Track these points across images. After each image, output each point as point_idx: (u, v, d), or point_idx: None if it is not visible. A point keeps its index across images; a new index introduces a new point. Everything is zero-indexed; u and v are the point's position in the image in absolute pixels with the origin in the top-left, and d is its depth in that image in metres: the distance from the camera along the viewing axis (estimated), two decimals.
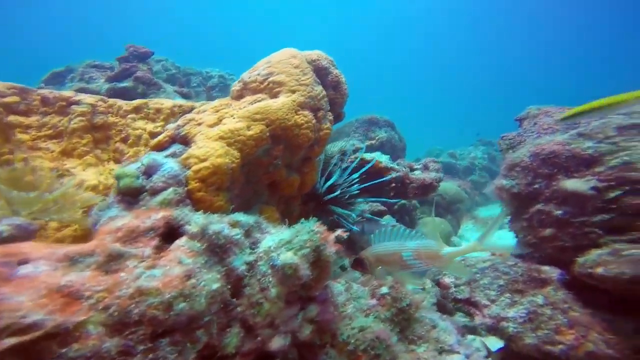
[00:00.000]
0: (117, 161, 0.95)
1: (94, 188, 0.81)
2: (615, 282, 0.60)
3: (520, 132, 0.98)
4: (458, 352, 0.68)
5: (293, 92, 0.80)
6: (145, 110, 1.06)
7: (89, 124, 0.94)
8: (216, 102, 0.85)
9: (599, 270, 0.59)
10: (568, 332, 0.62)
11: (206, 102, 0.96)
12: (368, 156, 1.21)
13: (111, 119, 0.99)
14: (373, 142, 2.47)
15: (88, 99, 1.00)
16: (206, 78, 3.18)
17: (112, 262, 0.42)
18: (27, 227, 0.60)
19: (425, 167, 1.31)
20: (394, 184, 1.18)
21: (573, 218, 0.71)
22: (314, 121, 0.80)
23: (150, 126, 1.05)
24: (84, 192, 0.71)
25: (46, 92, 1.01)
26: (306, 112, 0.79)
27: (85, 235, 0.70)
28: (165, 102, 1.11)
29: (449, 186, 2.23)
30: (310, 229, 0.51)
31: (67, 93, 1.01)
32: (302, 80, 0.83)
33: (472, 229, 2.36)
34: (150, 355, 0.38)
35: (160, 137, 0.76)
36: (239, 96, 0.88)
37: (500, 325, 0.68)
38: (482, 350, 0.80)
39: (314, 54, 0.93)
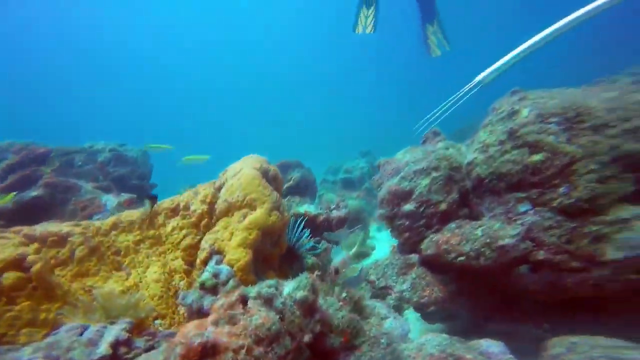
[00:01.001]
0: (118, 269, 1.19)
1: (125, 292, 1.07)
2: (431, 257, 1.32)
3: (379, 175, 1.71)
4: (389, 317, 1.27)
5: (263, 203, 1.30)
6: (121, 225, 1.29)
7: (89, 249, 1.13)
8: (223, 222, 1.25)
9: (427, 251, 1.30)
10: (427, 289, 1.31)
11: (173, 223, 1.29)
12: (301, 209, 1.75)
13: (98, 239, 1.19)
14: (290, 182, 3.03)
15: (75, 229, 1.16)
16: (92, 154, 2.97)
17: (230, 319, 0.80)
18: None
19: (337, 206, 1.95)
20: (325, 223, 1.78)
21: (412, 224, 1.43)
22: (279, 215, 1.30)
23: (130, 237, 1.29)
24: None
25: (27, 229, 1.12)
26: (274, 212, 1.30)
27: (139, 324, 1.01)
28: (134, 214, 1.35)
29: (351, 203, 3.00)
30: (305, 277, 0.99)
31: (52, 228, 1.14)
32: (266, 194, 1.33)
33: (377, 228, 3.21)
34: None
35: (204, 255, 1.23)
36: (227, 211, 1.33)
37: (402, 295, 1.32)
38: (402, 317, 1.43)
39: (258, 162, 1.42)
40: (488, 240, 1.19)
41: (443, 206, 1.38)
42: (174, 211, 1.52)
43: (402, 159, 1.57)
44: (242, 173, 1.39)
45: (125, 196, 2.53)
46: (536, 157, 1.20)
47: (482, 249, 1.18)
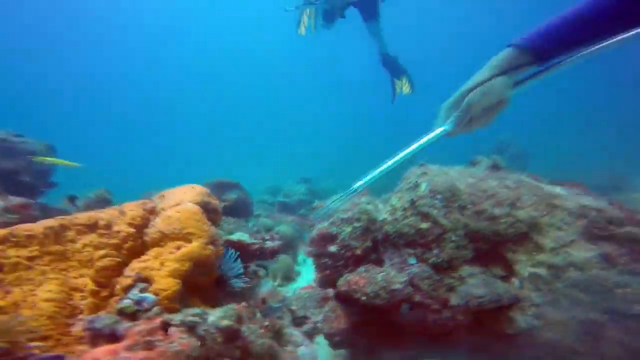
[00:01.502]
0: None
1: None
2: (344, 293, 1.65)
3: (314, 217, 2.02)
4: (303, 345, 1.52)
5: (200, 237, 1.43)
6: (13, 239, 1.25)
7: None
8: (153, 252, 1.31)
9: (341, 288, 1.62)
10: (335, 321, 1.61)
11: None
12: (234, 237, 1.91)
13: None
14: (226, 203, 3.10)
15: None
16: None
17: (148, 345, 0.91)
18: None
19: (272, 238, 2.16)
20: (258, 252, 1.96)
21: (334, 264, 1.75)
22: (213, 248, 1.45)
23: (23, 252, 1.28)
24: None
25: None
26: (209, 246, 1.45)
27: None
28: (35, 227, 1.31)
29: (284, 229, 3.23)
30: (232, 307, 1.17)
31: None
32: (203, 228, 1.47)
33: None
34: None
35: (128, 282, 1.24)
36: (160, 240, 1.41)
37: (315, 325, 1.59)
38: (314, 344, 1.69)
39: (200, 195, 1.54)
40: (384, 285, 1.57)
41: (358, 251, 1.74)
42: (90, 228, 1.45)
43: (333, 206, 1.91)
44: (183, 207, 1.48)
45: (14, 200, 2.18)
46: (424, 225, 1.66)
47: (379, 292, 1.55)
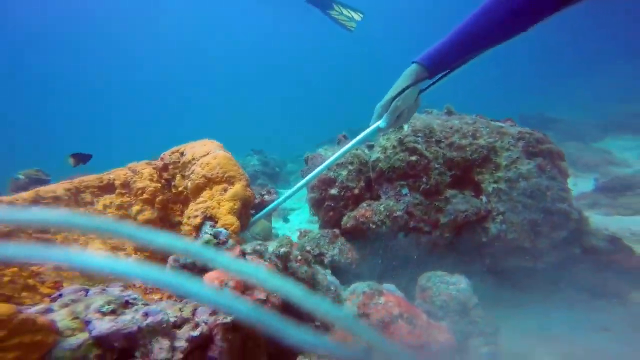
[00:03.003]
0: None
1: None
2: (350, 228, 1.72)
3: (308, 166, 2.00)
4: (327, 274, 1.54)
5: (240, 180, 1.47)
6: (43, 201, 1.05)
7: None
8: (205, 194, 1.39)
9: (347, 225, 1.68)
10: (349, 252, 1.68)
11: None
12: None
13: None
14: None
15: None
16: None
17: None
18: None
19: (269, 192, 2.07)
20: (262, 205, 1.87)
21: (335, 205, 1.79)
22: (251, 190, 1.51)
23: None
24: None
25: None
26: (248, 188, 1.50)
27: None
28: (56, 188, 1.22)
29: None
30: (285, 237, 1.14)
31: None
32: (240, 171, 1.49)
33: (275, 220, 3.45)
34: None
35: (197, 221, 1.35)
36: (205, 185, 1.44)
37: (333, 259, 1.63)
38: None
39: (219, 145, 1.54)
40: (387, 213, 1.69)
41: (356, 191, 1.81)
42: (103, 189, 1.47)
43: (326, 155, 1.92)
44: (217, 154, 1.53)
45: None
46: (413, 158, 1.83)
47: (385, 219, 1.67)
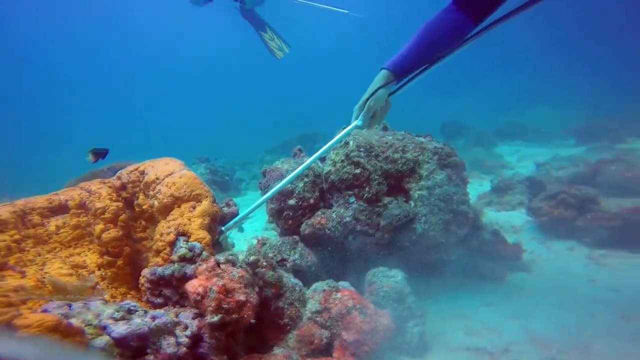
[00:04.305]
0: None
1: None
2: (308, 235, 1.93)
3: (266, 179, 2.13)
4: (290, 276, 1.71)
5: (207, 197, 1.52)
6: None
7: None
8: (175, 212, 1.43)
9: (305, 232, 1.89)
10: (309, 256, 1.88)
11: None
12: None
13: None
14: None
15: None
16: None
17: (215, 276, 0.97)
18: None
19: (228, 205, 2.12)
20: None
21: (294, 214, 1.98)
22: (217, 206, 1.58)
23: (6, 237, 1.06)
24: None
25: None
26: (214, 204, 1.56)
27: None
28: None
29: None
30: (253, 247, 1.27)
31: None
32: (206, 189, 1.54)
33: None
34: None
35: (171, 237, 1.41)
36: (173, 203, 1.49)
37: (294, 263, 1.81)
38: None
39: (182, 164, 1.54)
40: (339, 219, 1.96)
41: (312, 200, 2.04)
42: (53, 210, 1.45)
43: (283, 167, 2.10)
44: (183, 173, 1.58)
45: None
46: (357, 170, 2.15)
47: (337, 225, 1.94)
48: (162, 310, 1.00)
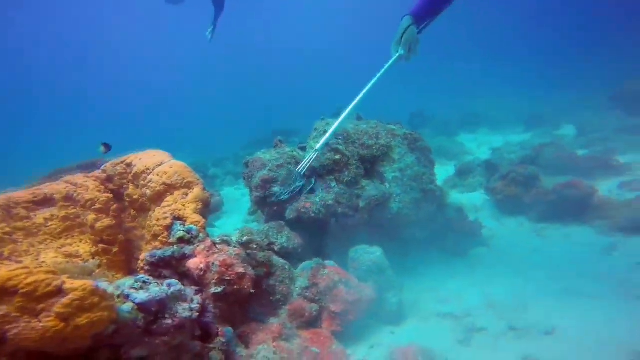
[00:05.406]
0: None
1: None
2: (294, 219, 2.03)
3: (249, 169, 2.17)
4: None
5: (197, 184, 1.54)
6: None
7: None
8: (168, 199, 1.43)
9: (290, 216, 1.98)
10: (296, 239, 1.98)
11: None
12: None
13: None
14: None
15: None
16: None
17: (214, 254, 1.04)
18: None
19: (212, 195, 2.12)
20: None
21: (275, 200, 2.06)
22: (208, 192, 1.61)
23: None
24: None
25: None
26: (205, 190, 1.59)
27: None
28: None
29: None
30: (245, 228, 1.35)
31: None
32: (196, 177, 1.57)
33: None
34: None
35: (167, 222, 1.44)
36: (166, 191, 1.50)
37: (282, 245, 1.89)
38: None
39: (169, 155, 1.54)
40: (322, 203, 2.08)
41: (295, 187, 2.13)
42: (39, 203, 1.42)
43: (265, 157, 2.15)
44: (173, 163, 1.61)
45: None
46: (337, 157, 2.27)
47: (320, 209, 2.05)
48: (175, 280, 1.07)
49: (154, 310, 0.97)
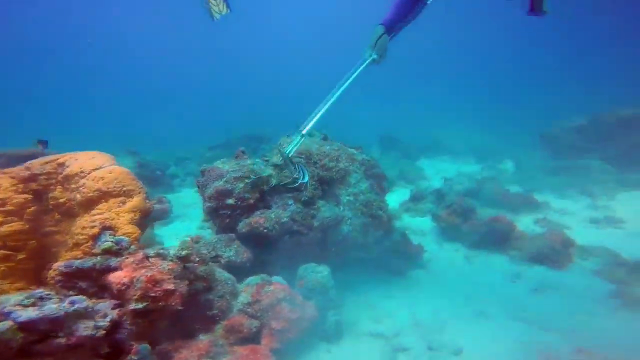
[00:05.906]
0: None
1: None
2: (246, 233, 2.06)
3: (205, 178, 2.16)
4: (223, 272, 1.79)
5: (138, 193, 1.51)
6: None
7: None
8: (101, 207, 1.33)
9: (243, 230, 2.00)
10: (244, 253, 2.00)
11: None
12: None
13: None
14: None
15: None
16: None
17: (143, 268, 1.03)
18: None
19: (161, 201, 2.05)
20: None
21: (232, 213, 2.07)
22: (149, 202, 1.55)
23: None
24: None
25: None
26: (147, 200, 1.52)
27: None
28: None
29: None
30: (186, 241, 1.34)
31: None
32: (139, 185, 1.53)
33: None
34: None
35: (95, 230, 1.37)
36: (100, 198, 1.44)
37: (229, 259, 1.90)
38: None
39: (111, 159, 1.44)
40: (277, 219, 2.14)
41: (251, 201, 2.16)
42: None
43: (223, 168, 2.16)
44: (113, 168, 1.52)
45: None
46: (297, 175, 2.35)
47: (274, 225, 2.11)
48: (82, 296, 1.03)
49: (44, 329, 0.93)
